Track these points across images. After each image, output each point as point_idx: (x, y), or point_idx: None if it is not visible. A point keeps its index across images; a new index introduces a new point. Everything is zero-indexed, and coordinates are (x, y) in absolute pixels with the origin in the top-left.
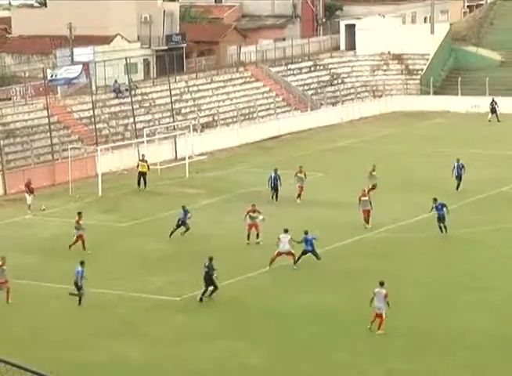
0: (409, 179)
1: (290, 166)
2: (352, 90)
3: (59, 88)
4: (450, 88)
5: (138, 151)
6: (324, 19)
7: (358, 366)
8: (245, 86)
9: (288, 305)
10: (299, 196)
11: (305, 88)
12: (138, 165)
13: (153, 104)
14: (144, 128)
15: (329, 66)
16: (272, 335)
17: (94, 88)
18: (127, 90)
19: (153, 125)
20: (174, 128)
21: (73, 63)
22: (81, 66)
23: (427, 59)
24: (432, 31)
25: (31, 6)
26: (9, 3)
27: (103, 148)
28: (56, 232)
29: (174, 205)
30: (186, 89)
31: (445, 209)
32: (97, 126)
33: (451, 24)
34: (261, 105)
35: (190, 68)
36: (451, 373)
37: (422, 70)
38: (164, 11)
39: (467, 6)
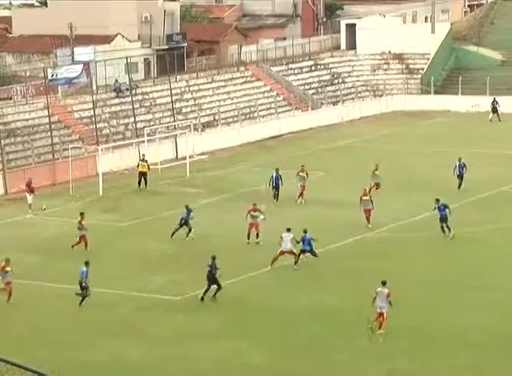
0: (409, 179)
1: (290, 165)
2: (353, 89)
3: (59, 87)
4: (451, 88)
5: (139, 151)
6: (325, 19)
7: (359, 365)
8: (246, 86)
9: (289, 304)
10: (301, 195)
11: (306, 87)
12: (138, 165)
13: (153, 104)
14: (145, 127)
15: (330, 65)
16: (274, 335)
17: (94, 87)
18: (127, 89)
19: (153, 125)
20: (175, 128)
21: (73, 62)
22: (81, 65)
23: (428, 59)
24: (433, 31)
25: (32, 6)
26: (10, 3)
27: (104, 147)
28: (57, 231)
29: (175, 205)
30: (187, 89)
31: (447, 210)
32: (98, 126)
33: (452, 24)
34: (261, 104)
35: (191, 68)
36: (452, 372)
37: (423, 69)
38: (165, 10)
39: (468, 6)
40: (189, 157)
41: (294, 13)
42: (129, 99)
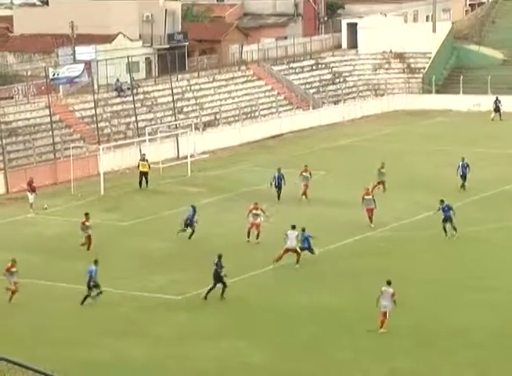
0: (411, 178)
1: (292, 165)
2: (354, 89)
3: (61, 86)
4: (452, 87)
5: (140, 150)
6: (326, 18)
7: (361, 364)
8: (247, 85)
9: (291, 303)
10: (304, 194)
11: (307, 86)
12: (139, 165)
13: (154, 103)
14: (146, 126)
15: (331, 64)
16: (275, 334)
17: (96, 86)
18: (129, 89)
19: (154, 124)
20: (176, 127)
21: (75, 61)
22: (82, 64)
23: (429, 58)
24: (434, 30)
25: (33, 5)
26: (11, 2)
27: (105, 147)
28: (58, 231)
29: (177, 204)
30: (188, 88)
31: (451, 211)
32: (99, 125)
33: (453, 23)
34: (262, 103)
35: (192, 67)
36: (454, 371)
37: (424, 68)
38: (166, 10)
39: (469, 5)
40: (191, 157)
41: (295, 12)
42: (130, 98)
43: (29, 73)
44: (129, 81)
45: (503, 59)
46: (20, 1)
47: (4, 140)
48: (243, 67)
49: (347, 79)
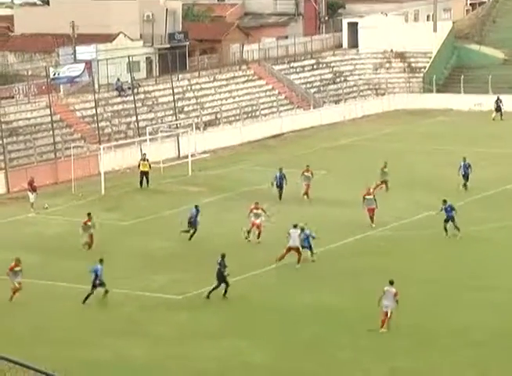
0: (411, 177)
1: (293, 164)
2: (355, 88)
3: (61, 86)
4: (453, 86)
5: (141, 149)
6: (327, 17)
7: (361, 364)
8: (248, 84)
9: (292, 303)
10: (306, 194)
11: (308, 86)
12: (139, 165)
13: (155, 102)
14: (147, 126)
15: (332, 64)
16: (276, 334)
17: (96, 86)
18: (129, 88)
19: (155, 123)
20: (177, 127)
21: (75, 61)
22: (83, 64)
23: (430, 57)
24: (435, 29)
25: (34, 4)
26: (12, 1)
27: (106, 146)
28: (59, 230)
29: (177, 203)
30: (189, 87)
31: (453, 212)
32: (100, 124)
33: (454, 22)
34: (263, 103)
35: (193, 66)
36: (454, 371)
37: (425, 68)
38: (167, 9)
39: (470, 4)
40: (191, 156)
41: (296, 12)
42: (131, 97)
43: (29, 72)
44: (130, 81)
45: (504, 59)
46: (21, 0)
47: (5, 140)
48: (244, 67)
49: (348, 78)
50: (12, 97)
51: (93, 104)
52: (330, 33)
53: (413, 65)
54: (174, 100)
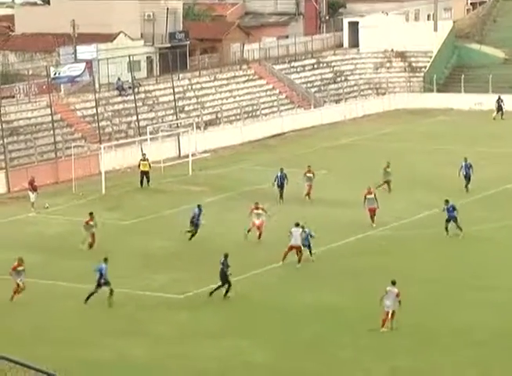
0: (412, 177)
1: (293, 164)
2: (355, 87)
3: (62, 86)
4: (453, 86)
5: (142, 149)
6: (327, 17)
7: (362, 363)
8: (248, 84)
9: (293, 302)
10: (308, 194)
11: (308, 85)
12: (139, 164)
13: (156, 102)
14: (147, 125)
15: (333, 63)
16: (277, 333)
17: (97, 85)
18: (130, 88)
19: (156, 123)
20: (178, 126)
21: (76, 60)
22: (84, 64)
23: (431, 57)
24: (435, 29)
25: (34, 4)
26: (13, 1)
27: (106, 146)
28: (60, 230)
29: (178, 203)
30: (189, 87)
31: (455, 212)
32: (100, 124)
33: (454, 22)
34: (264, 102)
35: (193, 66)
36: (455, 370)
37: (425, 67)
38: (167, 8)
39: (470, 3)
40: (192, 156)
41: (297, 11)
42: (132, 97)
43: (30, 72)
44: (130, 80)
45: (505, 58)
46: (22, 0)
47: (5, 139)
48: (245, 66)
49: (349, 78)
50: (13, 97)
51: (94, 104)
52: (331, 32)
53: (414, 64)
54: (174, 100)
